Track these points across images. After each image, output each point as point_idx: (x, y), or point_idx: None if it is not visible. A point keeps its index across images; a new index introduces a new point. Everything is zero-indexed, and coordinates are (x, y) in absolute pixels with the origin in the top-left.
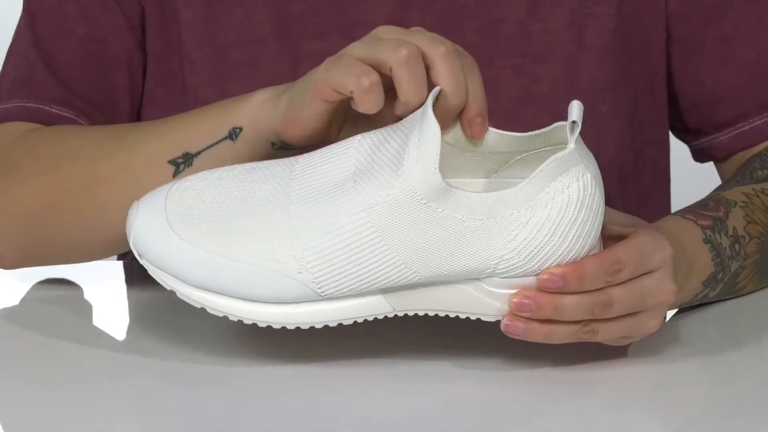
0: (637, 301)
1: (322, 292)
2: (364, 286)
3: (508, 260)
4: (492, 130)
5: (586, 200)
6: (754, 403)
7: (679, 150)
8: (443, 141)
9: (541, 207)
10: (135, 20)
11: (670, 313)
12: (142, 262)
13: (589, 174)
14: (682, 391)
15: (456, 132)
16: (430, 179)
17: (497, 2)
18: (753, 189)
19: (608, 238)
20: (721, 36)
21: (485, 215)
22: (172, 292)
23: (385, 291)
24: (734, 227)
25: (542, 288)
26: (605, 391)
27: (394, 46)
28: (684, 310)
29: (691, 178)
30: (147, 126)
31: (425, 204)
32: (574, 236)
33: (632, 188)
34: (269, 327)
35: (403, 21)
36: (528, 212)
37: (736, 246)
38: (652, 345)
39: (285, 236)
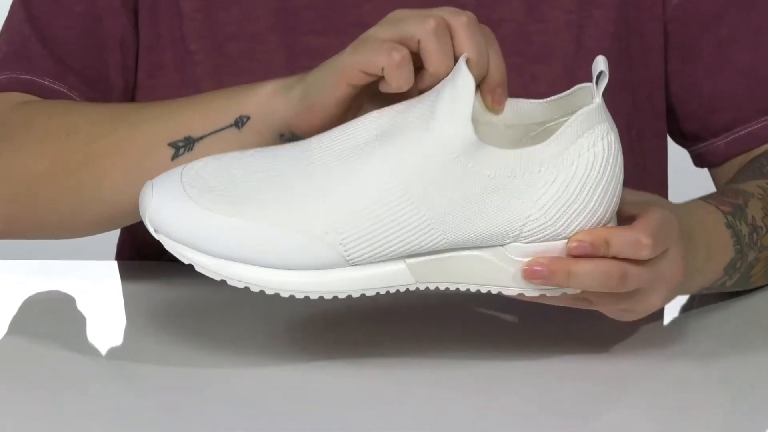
0: (651, 280)
1: (348, 255)
2: (391, 248)
3: (534, 220)
4: (512, 99)
5: (611, 160)
6: (755, 405)
7: (676, 156)
8: None
9: (567, 164)
10: (129, 3)
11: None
12: (158, 237)
13: (613, 134)
14: (680, 393)
15: (475, 105)
16: (463, 133)
17: (496, 4)
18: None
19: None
20: (719, 42)
21: (513, 172)
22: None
23: (410, 256)
24: (753, 216)
25: (571, 255)
26: (603, 388)
27: (420, 19)
28: (689, 308)
29: (688, 184)
30: (149, 106)
31: (456, 158)
32: (599, 196)
33: None
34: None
35: None
36: (555, 169)
37: (754, 235)
38: (654, 346)
39: (310, 198)
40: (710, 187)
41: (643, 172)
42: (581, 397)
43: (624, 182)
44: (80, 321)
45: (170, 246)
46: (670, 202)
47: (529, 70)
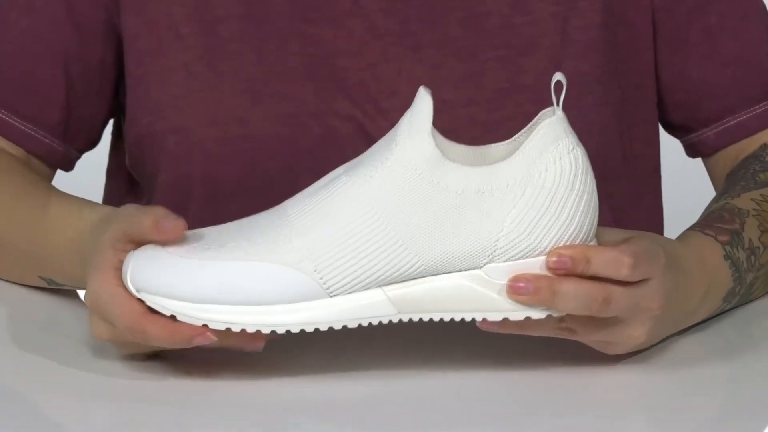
0: (632, 307)
1: (325, 283)
2: (367, 274)
3: (507, 234)
4: (480, 147)
5: (580, 173)
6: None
7: (669, 145)
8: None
9: (535, 177)
10: (83, 15)
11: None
12: (140, 296)
13: (579, 150)
14: (680, 398)
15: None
16: (424, 147)
17: None
18: (761, 195)
19: None
20: (706, 30)
21: (481, 189)
22: None
23: (388, 284)
24: (750, 239)
25: (551, 268)
26: (600, 397)
27: None
28: None
29: (682, 173)
30: (34, 238)
31: (420, 174)
32: (571, 209)
33: (623, 183)
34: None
35: (385, 11)
36: (523, 183)
37: (752, 258)
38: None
39: (284, 232)
40: (703, 174)
41: (635, 160)
42: (567, 407)
43: (609, 168)
44: (72, 321)
45: (151, 301)
46: (665, 238)
47: (516, 62)
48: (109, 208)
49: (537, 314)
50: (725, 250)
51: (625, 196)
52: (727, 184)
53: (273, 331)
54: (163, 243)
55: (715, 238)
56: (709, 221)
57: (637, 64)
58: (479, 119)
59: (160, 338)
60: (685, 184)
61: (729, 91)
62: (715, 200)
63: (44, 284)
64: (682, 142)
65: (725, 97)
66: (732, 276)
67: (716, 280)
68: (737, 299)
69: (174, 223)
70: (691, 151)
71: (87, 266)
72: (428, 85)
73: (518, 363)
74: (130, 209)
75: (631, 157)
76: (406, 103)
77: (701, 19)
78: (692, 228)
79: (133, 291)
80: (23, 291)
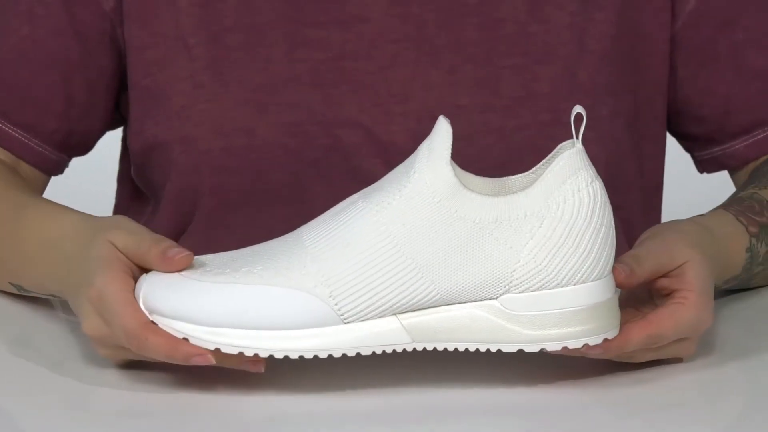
0: (655, 355)
1: (340, 310)
2: (382, 301)
3: (524, 266)
4: (500, 179)
5: (598, 206)
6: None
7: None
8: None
9: (553, 209)
10: (85, 25)
11: None
12: (153, 318)
13: (598, 183)
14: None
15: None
16: (443, 175)
17: (498, 2)
18: None
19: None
20: (733, 44)
21: (498, 219)
22: None
23: (403, 311)
24: None
25: (586, 353)
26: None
27: None
28: None
29: (683, 189)
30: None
31: (438, 203)
32: (588, 242)
33: (632, 196)
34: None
35: (401, 16)
36: (540, 214)
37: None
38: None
39: (299, 257)
40: (702, 195)
41: (642, 175)
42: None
43: (622, 180)
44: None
45: (164, 323)
46: (701, 225)
47: (531, 70)
48: (90, 215)
49: (553, 346)
50: (750, 243)
51: (634, 208)
52: (752, 176)
53: (286, 356)
54: (170, 272)
55: (747, 229)
56: (741, 208)
57: (649, 78)
58: (494, 126)
59: (160, 351)
60: (684, 202)
61: (758, 104)
62: (741, 189)
63: (14, 290)
64: (698, 156)
65: (754, 110)
66: (744, 266)
67: (728, 267)
68: (734, 283)
69: (181, 252)
70: (709, 165)
71: (88, 261)
72: (444, 90)
73: (521, 379)
74: (135, 231)
75: (640, 172)
76: (421, 107)
77: (728, 35)
78: (726, 209)
79: (146, 312)
80: (12, 299)
